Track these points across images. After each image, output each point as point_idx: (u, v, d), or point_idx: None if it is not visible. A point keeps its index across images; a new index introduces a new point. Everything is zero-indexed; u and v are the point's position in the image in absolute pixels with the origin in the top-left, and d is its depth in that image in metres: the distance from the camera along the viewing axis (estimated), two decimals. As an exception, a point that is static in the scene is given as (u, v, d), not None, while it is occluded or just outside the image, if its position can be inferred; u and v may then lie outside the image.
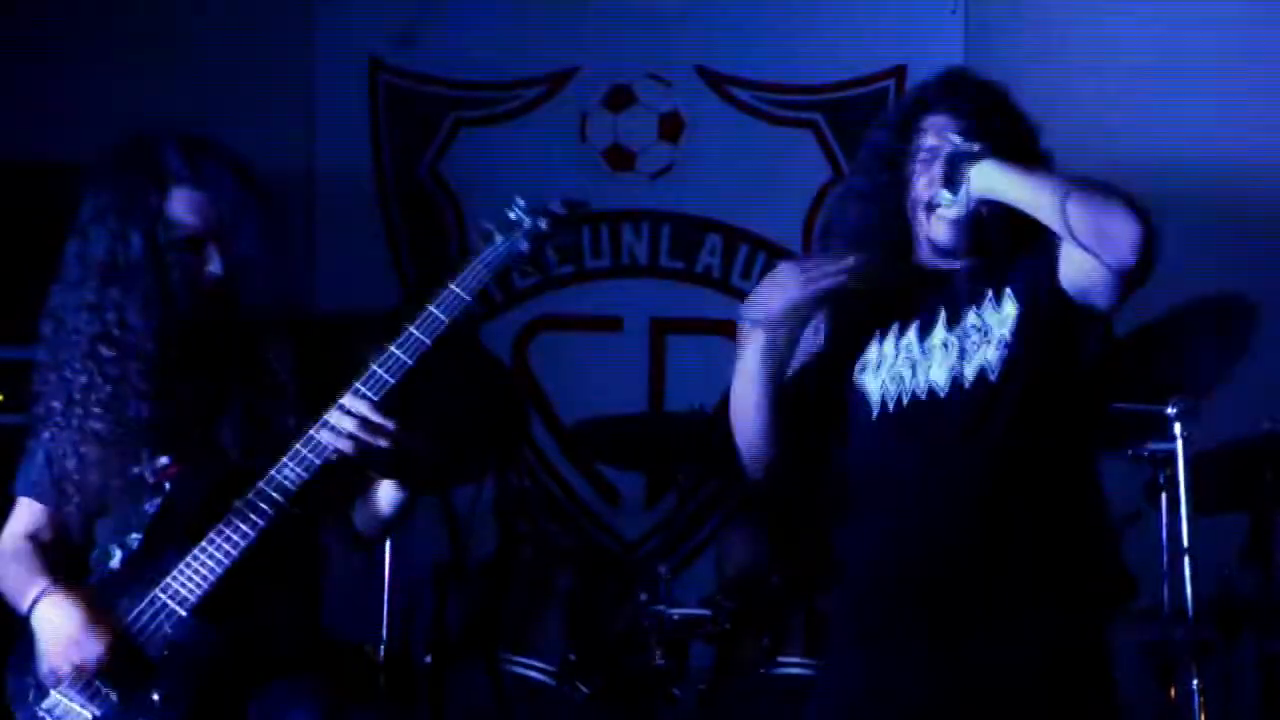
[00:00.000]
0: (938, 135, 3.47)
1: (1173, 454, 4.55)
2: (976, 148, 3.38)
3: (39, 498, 3.73)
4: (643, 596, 4.80)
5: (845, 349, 3.55)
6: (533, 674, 4.72)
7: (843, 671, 3.53)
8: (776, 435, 3.48)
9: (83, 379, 3.61)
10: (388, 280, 5.98)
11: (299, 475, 3.55)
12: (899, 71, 5.20)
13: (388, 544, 4.67)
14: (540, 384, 5.95)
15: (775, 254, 5.73)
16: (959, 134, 3.44)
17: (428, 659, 4.60)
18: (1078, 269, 3.27)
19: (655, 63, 5.95)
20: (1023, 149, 3.45)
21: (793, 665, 4.65)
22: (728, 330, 5.61)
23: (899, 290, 3.49)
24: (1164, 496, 4.67)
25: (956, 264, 3.46)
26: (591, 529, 5.90)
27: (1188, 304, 4.46)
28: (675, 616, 4.75)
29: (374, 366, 3.56)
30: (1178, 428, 4.51)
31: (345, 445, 3.51)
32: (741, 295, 5.63)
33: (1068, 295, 3.32)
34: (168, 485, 3.63)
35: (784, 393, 3.47)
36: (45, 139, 5.62)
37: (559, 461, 5.95)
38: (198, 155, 3.63)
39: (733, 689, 4.78)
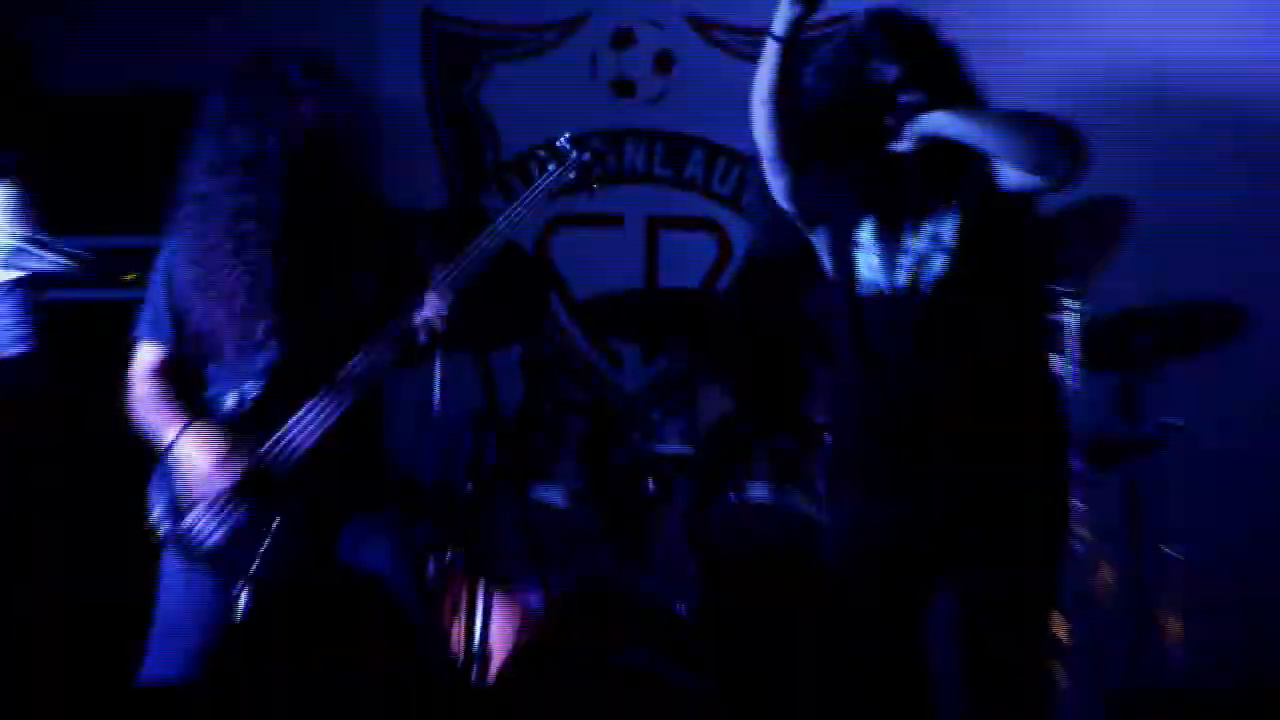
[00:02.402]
0: (889, 73, 3.43)
1: (1062, 322, 4.61)
2: (918, 97, 3.36)
3: (162, 340, 3.76)
4: (638, 438, 4.82)
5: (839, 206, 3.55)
6: (551, 499, 4.78)
7: (848, 504, 3.57)
8: (778, 135, 3.43)
9: (227, 246, 3.62)
10: (439, 187, 5.97)
11: (389, 353, 3.66)
12: (845, 18, 5.19)
13: (436, 398, 4.70)
14: (559, 269, 5.93)
15: (747, 164, 5.72)
16: (898, 81, 3.40)
17: (469, 487, 4.63)
18: (1018, 180, 3.32)
19: (652, 11, 5.89)
20: (952, 81, 3.43)
21: (759, 491, 4.68)
22: (708, 226, 5.75)
23: (874, 174, 3.47)
24: (1055, 358, 4.66)
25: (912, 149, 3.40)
26: (599, 384, 5.87)
27: (1073, 206, 4.47)
28: (664, 453, 4.78)
29: (451, 266, 3.69)
30: (1067, 301, 4.56)
31: (427, 329, 3.66)
32: (720, 198, 5.77)
33: (1008, 194, 3.36)
34: (275, 344, 3.67)
35: (790, 105, 3.41)
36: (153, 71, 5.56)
37: (574, 331, 5.94)
38: (317, 71, 3.67)
39: (709, 511, 4.76)
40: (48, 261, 3.79)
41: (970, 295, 3.37)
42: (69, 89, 5.48)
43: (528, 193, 3.85)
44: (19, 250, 3.80)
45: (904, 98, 3.37)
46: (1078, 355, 4.58)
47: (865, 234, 3.48)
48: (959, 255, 3.37)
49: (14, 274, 3.80)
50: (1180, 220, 5.02)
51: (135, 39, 5.71)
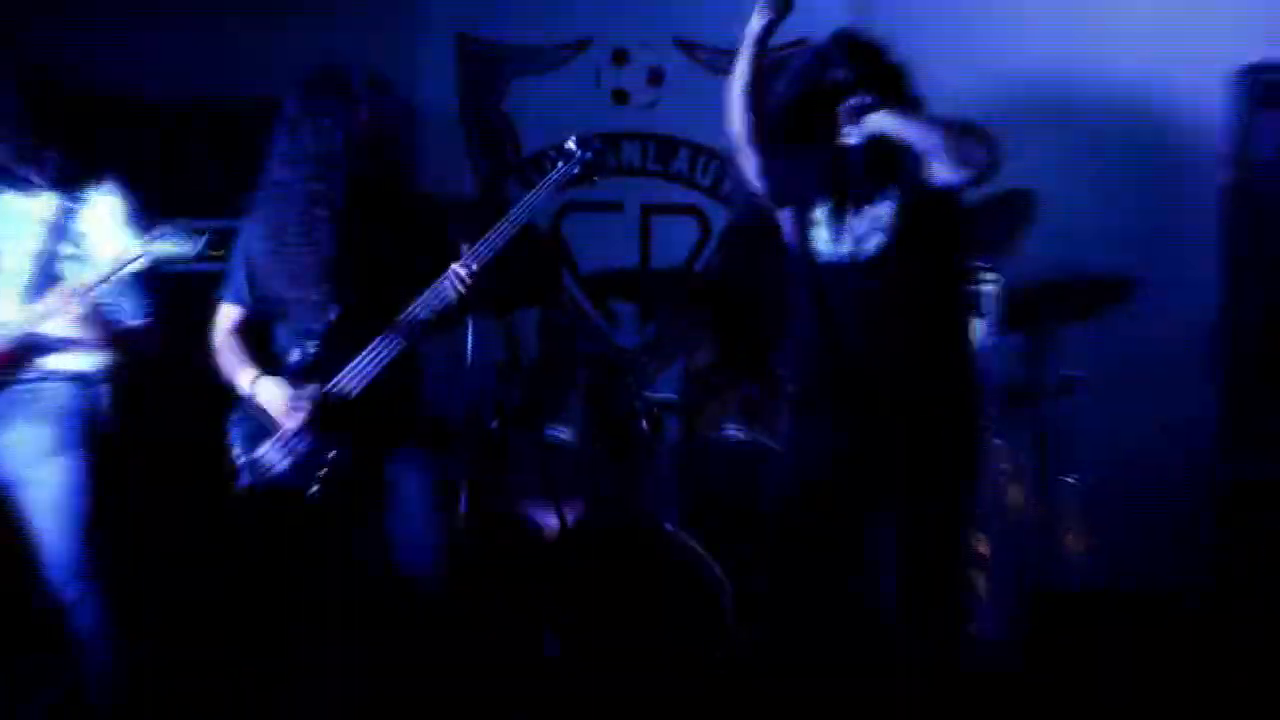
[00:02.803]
0: (843, 81, 3.48)
1: (982, 291, 4.67)
2: (870, 100, 3.43)
3: (241, 303, 3.84)
4: (634, 386, 4.85)
5: (799, 186, 3.60)
6: (562, 436, 4.79)
7: (804, 440, 3.63)
8: (748, 115, 3.49)
9: (295, 223, 3.69)
10: (469, 178, 5.90)
11: (428, 313, 3.70)
12: (804, 41, 5.25)
13: (468, 352, 4.71)
14: (569, 247, 5.89)
15: (725, 161, 5.78)
16: (860, 87, 3.46)
17: (494, 427, 4.73)
18: (944, 173, 3.37)
19: (645, 34, 5.82)
20: (898, 91, 3.50)
21: (733, 431, 4.74)
22: (692, 212, 5.76)
23: (828, 163, 3.53)
24: (976, 321, 4.73)
25: (860, 145, 3.46)
26: (602, 342, 5.81)
27: (991, 197, 4.50)
28: (655, 399, 4.82)
29: (478, 244, 3.70)
30: (985, 275, 4.61)
31: (456, 296, 3.67)
32: (701, 189, 5.83)
33: (937, 186, 3.40)
34: (332, 307, 3.72)
35: (757, 90, 3.48)
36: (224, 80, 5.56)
37: (581, 297, 5.90)
38: (371, 83, 3.73)
39: (692, 447, 4.82)
40: (176, 248, 3.88)
41: (902, 266, 3.48)
42: (150, 96, 5.50)
43: (541, 183, 3.89)
44: (154, 246, 3.90)
45: (855, 100, 3.46)
46: (996, 319, 4.63)
47: (820, 213, 3.58)
48: (894, 233, 3.49)
49: (143, 263, 3.89)
50: (1078, 207, 5.07)
51: (210, 53, 5.69)
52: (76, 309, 3.86)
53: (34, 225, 4.00)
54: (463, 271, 3.68)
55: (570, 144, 3.93)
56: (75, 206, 3.99)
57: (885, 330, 3.49)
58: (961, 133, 3.34)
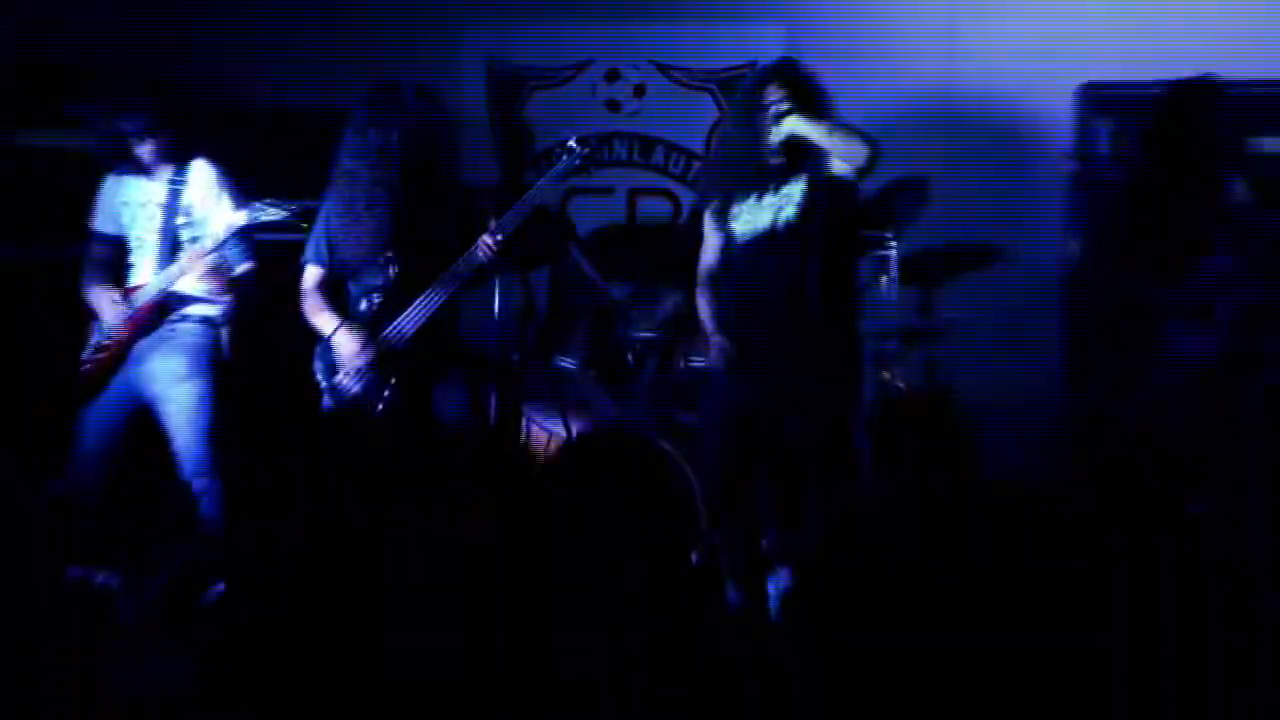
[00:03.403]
0: (773, 96, 3.66)
1: (886, 255, 4.78)
2: (788, 106, 3.63)
3: (322, 264, 3.94)
4: (623, 327, 4.87)
5: (726, 204, 3.81)
6: (566, 365, 4.78)
7: (723, 378, 3.75)
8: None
9: (362, 202, 3.79)
10: (495, 170, 5.73)
11: (465, 272, 3.73)
12: (754, 64, 5.20)
13: (495, 302, 4.73)
14: (574, 221, 5.71)
15: (693, 158, 5.86)
16: (782, 99, 3.63)
17: (515, 359, 4.68)
18: (840, 165, 3.60)
19: (632, 57, 5.79)
20: (816, 105, 3.66)
21: (698, 363, 4.71)
22: (666, 194, 5.79)
23: (757, 152, 3.66)
24: (884, 277, 4.87)
25: (783, 159, 3.70)
26: (597, 293, 5.83)
27: (893, 182, 4.55)
28: (639, 338, 4.71)
29: (502, 219, 3.80)
30: (888, 242, 4.70)
31: (485, 258, 3.74)
32: (674, 177, 5.85)
33: (835, 175, 3.62)
34: (392, 267, 3.78)
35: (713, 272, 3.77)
36: (304, 93, 5.37)
37: (582, 260, 5.85)
38: (423, 95, 3.85)
39: (665, 376, 4.68)
40: (273, 214, 3.88)
41: (807, 235, 3.64)
42: (248, 106, 5.52)
43: (550, 172, 3.90)
44: (256, 213, 3.90)
45: (775, 108, 3.67)
46: (895, 276, 4.84)
47: (749, 192, 3.73)
48: (802, 208, 3.67)
49: (247, 221, 3.91)
50: (959, 190, 5.14)
51: (294, 70, 5.68)
52: (199, 268, 3.88)
53: (155, 205, 4.02)
54: (490, 240, 3.79)
55: (572, 142, 4.08)
56: (181, 181, 3.99)
57: (791, 283, 3.61)
58: (849, 137, 3.57)
